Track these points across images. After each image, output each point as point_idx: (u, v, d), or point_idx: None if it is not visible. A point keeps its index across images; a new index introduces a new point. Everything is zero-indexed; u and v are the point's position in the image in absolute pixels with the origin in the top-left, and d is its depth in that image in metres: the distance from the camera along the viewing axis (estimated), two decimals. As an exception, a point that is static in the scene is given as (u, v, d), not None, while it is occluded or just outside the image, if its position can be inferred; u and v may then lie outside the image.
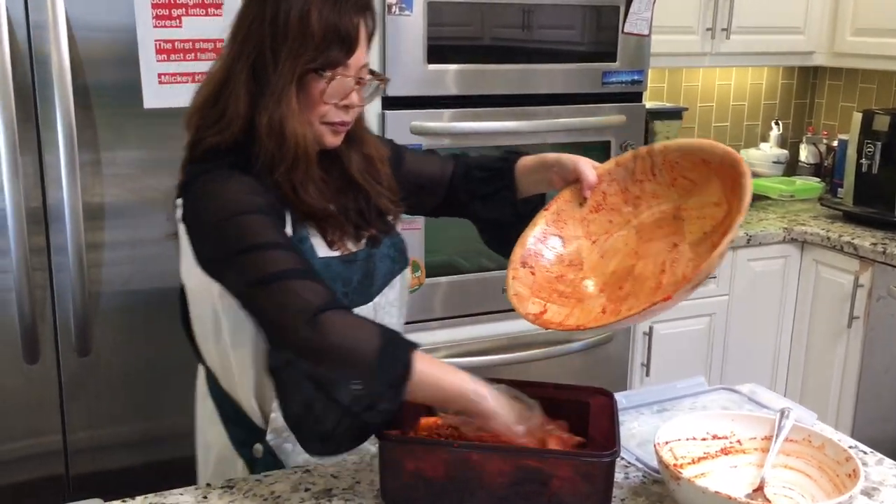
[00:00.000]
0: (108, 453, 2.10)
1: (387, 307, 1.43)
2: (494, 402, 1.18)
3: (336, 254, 1.32)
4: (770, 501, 1.18)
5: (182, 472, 2.09)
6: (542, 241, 1.35)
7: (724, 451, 1.27)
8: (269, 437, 1.32)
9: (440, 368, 1.19)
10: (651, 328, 2.65)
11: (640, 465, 1.32)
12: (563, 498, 1.15)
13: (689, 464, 1.24)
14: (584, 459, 1.16)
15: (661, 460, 1.14)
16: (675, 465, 1.23)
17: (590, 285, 1.32)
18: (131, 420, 2.11)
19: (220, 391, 1.36)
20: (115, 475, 2.11)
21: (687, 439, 1.26)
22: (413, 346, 1.18)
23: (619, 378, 2.67)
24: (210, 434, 1.40)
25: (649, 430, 1.44)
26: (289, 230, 1.26)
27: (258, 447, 1.34)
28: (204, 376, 1.40)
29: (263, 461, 1.35)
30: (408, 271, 1.50)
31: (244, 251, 1.17)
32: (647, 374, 2.69)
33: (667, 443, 1.23)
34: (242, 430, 1.35)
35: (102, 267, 2.02)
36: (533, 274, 1.32)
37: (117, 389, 2.08)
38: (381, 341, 1.15)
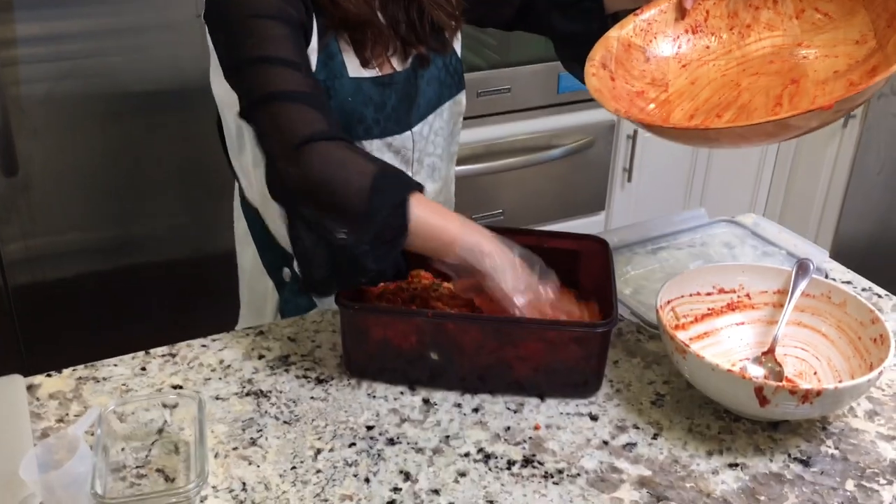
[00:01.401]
0: (48, 262, 1.95)
1: (431, 137, 1.26)
2: (499, 261, 1.02)
3: (370, 74, 1.15)
4: (781, 365, 1.05)
5: (125, 280, 1.99)
6: (626, 50, 1.13)
7: (731, 307, 1.13)
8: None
9: (441, 216, 1.02)
10: (635, 132, 2.46)
11: (634, 320, 1.19)
12: (553, 368, 1.02)
13: (691, 322, 1.11)
14: (575, 330, 1.02)
15: (664, 329, 1.00)
16: (677, 325, 1.09)
17: (676, 110, 1.11)
18: (68, 231, 1.94)
19: (250, 210, 1.27)
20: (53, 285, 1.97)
21: (690, 295, 1.11)
22: (412, 187, 1.00)
23: (599, 183, 2.52)
24: (244, 256, 1.33)
25: (644, 275, 1.29)
26: (314, 43, 1.09)
27: (286, 271, 1.25)
28: (238, 194, 1.30)
29: (291, 286, 1.26)
30: (462, 97, 1.31)
31: (252, 62, 1.03)
32: (629, 179, 2.54)
33: (668, 302, 1.08)
34: (271, 252, 1.27)
35: (19, 66, 1.76)
36: (613, 80, 1.10)
37: (52, 205, 1.89)
38: (373, 181, 0.97)
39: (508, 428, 0.99)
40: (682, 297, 1.10)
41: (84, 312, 2.00)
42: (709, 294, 1.12)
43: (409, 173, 1.24)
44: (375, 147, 1.19)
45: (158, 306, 2.06)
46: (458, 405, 1.03)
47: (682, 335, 1.08)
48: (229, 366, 1.09)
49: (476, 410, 1.02)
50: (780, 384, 0.91)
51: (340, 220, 0.97)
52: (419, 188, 1.01)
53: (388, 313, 1.03)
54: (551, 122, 2.35)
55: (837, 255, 2.78)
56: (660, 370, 1.10)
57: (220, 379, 1.06)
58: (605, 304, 1.07)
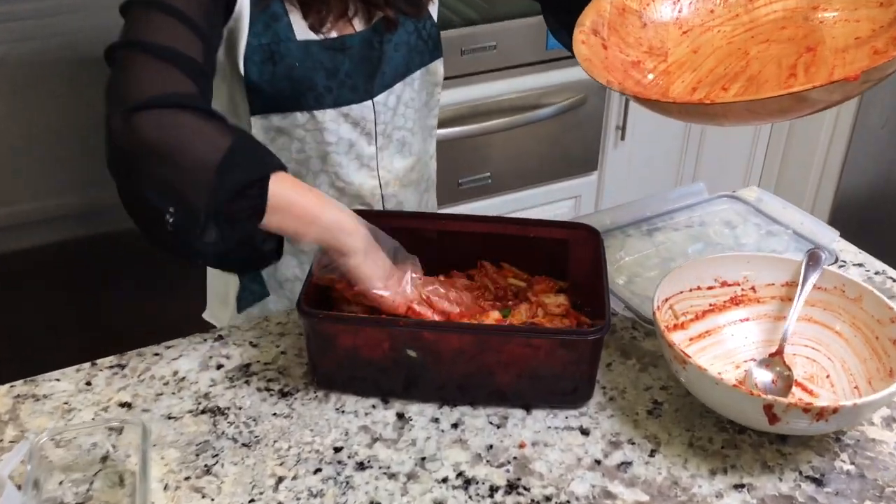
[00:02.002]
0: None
1: (400, 108, 1.14)
2: (360, 242, 0.92)
3: (321, 37, 1.04)
4: (790, 368, 0.95)
5: (85, 252, 1.87)
6: (620, 15, 1.01)
7: (735, 301, 1.03)
8: None
9: (301, 194, 0.90)
10: (629, 87, 2.33)
11: (628, 315, 1.09)
12: (539, 375, 0.92)
13: (691, 320, 1.01)
14: (565, 338, 0.91)
15: (662, 335, 0.90)
16: (676, 324, 0.99)
17: (676, 82, 0.99)
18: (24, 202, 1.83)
19: None
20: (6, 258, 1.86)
21: (690, 290, 1.01)
22: (271, 166, 0.88)
23: (591, 142, 2.40)
24: None
25: (638, 261, 1.18)
26: (246, 4, 0.98)
27: None
28: None
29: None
30: (439, 66, 1.19)
31: (142, 3, 0.91)
32: (622, 137, 2.41)
33: (666, 300, 0.98)
34: None
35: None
36: (605, 48, 0.98)
37: (5, 174, 1.77)
38: (224, 157, 0.83)
39: (491, 447, 0.90)
40: (682, 292, 1.00)
41: (45, 285, 1.88)
42: (710, 288, 1.02)
43: (374, 148, 1.13)
44: (329, 118, 1.07)
45: (126, 276, 1.95)
46: (436, 420, 0.93)
47: (681, 335, 0.98)
48: (184, 378, 0.99)
49: (455, 426, 0.93)
50: (792, 402, 0.82)
51: (170, 196, 0.83)
52: (280, 168, 0.89)
53: (356, 322, 0.93)
54: (540, 80, 2.22)
55: (838, 210, 2.69)
56: (657, 373, 1.00)
57: (173, 394, 0.96)
58: (597, 301, 0.97)
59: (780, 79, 0.94)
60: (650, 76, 0.99)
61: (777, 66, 0.96)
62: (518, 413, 0.94)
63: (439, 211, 1.35)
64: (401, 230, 1.03)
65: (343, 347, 0.94)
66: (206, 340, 1.05)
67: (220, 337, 1.05)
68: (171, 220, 0.83)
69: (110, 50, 0.89)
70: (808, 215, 1.27)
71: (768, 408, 0.82)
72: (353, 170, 1.13)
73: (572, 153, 2.37)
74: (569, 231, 1.08)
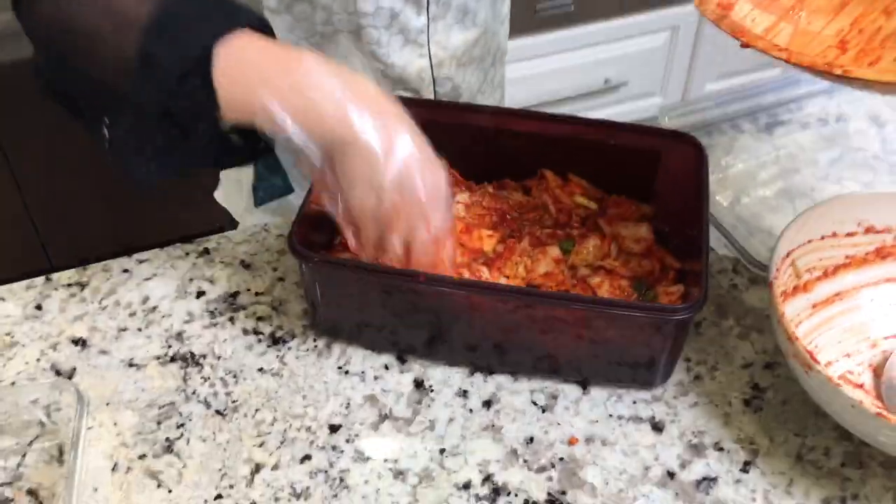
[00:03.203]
0: None
1: None
2: (365, 131, 0.62)
3: None
4: (948, 357, 0.70)
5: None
6: None
7: (881, 254, 0.76)
8: None
9: (271, 53, 0.62)
10: None
11: (730, 254, 0.83)
12: (604, 342, 0.70)
13: (818, 279, 0.75)
14: (642, 316, 0.67)
15: (778, 317, 0.65)
16: (797, 286, 0.73)
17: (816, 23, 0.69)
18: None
19: None
20: None
21: (822, 238, 0.75)
22: (234, 21, 0.61)
23: None
24: None
25: (749, 172, 0.91)
26: None
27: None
28: None
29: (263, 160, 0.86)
30: None
31: None
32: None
33: (787, 255, 0.72)
34: None
35: None
36: None
37: None
38: (152, 18, 0.59)
39: (531, 440, 0.69)
40: (810, 241, 0.74)
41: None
42: (850, 234, 0.75)
43: (425, 18, 0.84)
44: None
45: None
46: (464, 393, 0.72)
47: (801, 301, 0.73)
48: (155, 308, 0.79)
49: (488, 404, 0.71)
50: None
51: (92, 97, 0.60)
52: (243, 23, 0.61)
53: (363, 271, 0.70)
54: None
55: None
56: (761, 342, 0.76)
57: (139, 330, 0.77)
58: (691, 239, 0.72)
59: None
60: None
61: None
62: (571, 391, 0.72)
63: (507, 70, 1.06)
64: (441, 125, 0.77)
65: (348, 294, 0.72)
66: (187, 255, 0.84)
67: (207, 251, 0.84)
68: (107, 136, 0.60)
69: None
70: None
71: (924, 448, 0.58)
72: (396, 47, 0.85)
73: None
74: (662, 140, 0.80)
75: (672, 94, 2.12)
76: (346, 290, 0.72)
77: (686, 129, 0.93)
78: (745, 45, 0.63)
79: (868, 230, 0.75)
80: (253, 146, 0.67)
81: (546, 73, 1.94)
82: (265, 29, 0.64)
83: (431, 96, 0.90)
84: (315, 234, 0.74)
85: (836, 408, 0.62)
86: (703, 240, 0.69)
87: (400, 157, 0.62)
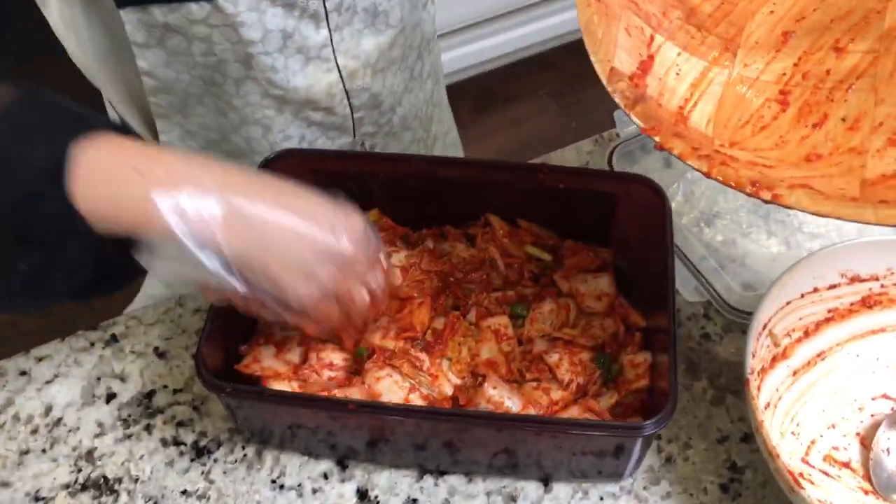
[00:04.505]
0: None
1: None
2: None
3: None
4: (941, 423, 0.64)
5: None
6: None
7: (867, 303, 0.68)
8: None
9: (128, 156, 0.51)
10: None
11: (697, 298, 0.74)
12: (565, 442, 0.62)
13: (798, 340, 0.67)
14: (607, 436, 0.59)
15: (757, 425, 0.57)
16: (776, 355, 0.65)
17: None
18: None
19: None
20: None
21: (802, 296, 0.66)
22: (81, 128, 0.51)
23: None
24: None
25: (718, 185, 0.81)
26: None
27: None
28: None
29: None
30: None
31: None
32: None
33: (764, 327, 0.63)
34: None
35: None
36: None
37: None
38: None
39: (490, 557, 0.62)
40: (789, 303, 0.66)
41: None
42: (832, 287, 0.67)
43: (326, 31, 0.72)
44: (245, 4, 0.66)
45: None
46: (413, 503, 0.65)
47: (781, 372, 0.66)
48: (60, 420, 0.70)
49: (441, 515, 0.64)
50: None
51: None
52: (101, 126, 0.51)
53: (280, 400, 0.61)
54: None
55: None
56: (737, 408, 0.69)
57: (43, 452, 0.68)
58: (656, 301, 0.63)
59: None
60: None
61: None
62: (532, 489, 0.65)
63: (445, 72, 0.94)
64: (372, 175, 0.68)
65: (272, 411, 0.63)
66: (93, 345, 0.74)
67: (115, 338, 0.74)
68: None
69: None
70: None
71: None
72: (296, 69, 0.73)
73: None
74: (618, 183, 0.70)
75: None
76: (269, 412, 0.63)
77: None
78: (658, 147, 0.53)
79: (853, 280, 0.67)
80: (131, 264, 0.56)
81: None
82: (126, 131, 0.53)
83: (347, 112, 0.79)
84: (228, 338, 0.65)
85: (824, 527, 0.56)
86: (670, 326, 0.60)
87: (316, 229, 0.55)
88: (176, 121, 0.75)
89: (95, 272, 0.55)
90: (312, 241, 0.55)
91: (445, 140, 0.99)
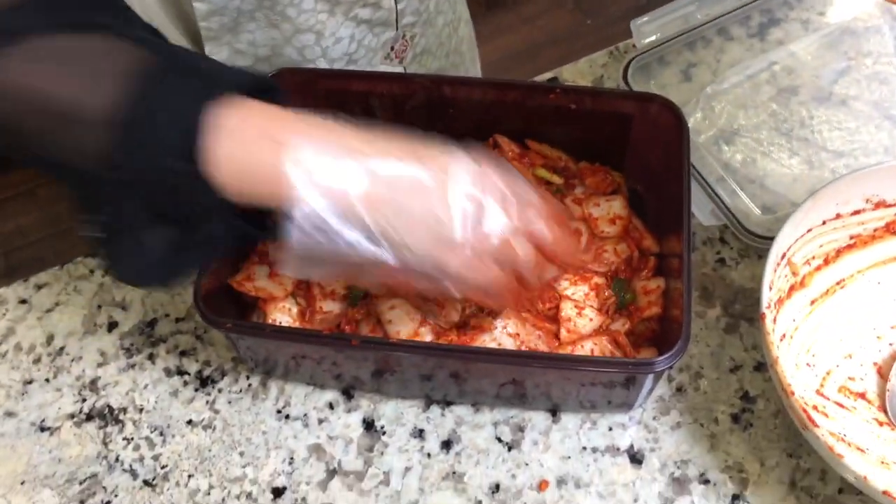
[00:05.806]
0: None
1: None
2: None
3: None
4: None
5: None
6: None
7: (891, 229, 0.65)
8: None
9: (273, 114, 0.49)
10: None
11: (714, 221, 0.71)
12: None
13: (818, 268, 0.65)
14: (617, 373, 0.58)
15: (772, 361, 0.55)
16: (793, 284, 0.63)
17: None
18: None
19: None
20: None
21: (824, 222, 0.64)
22: (216, 90, 0.47)
23: None
24: None
25: (738, 97, 0.77)
26: None
27: None
28: None
29: None
30: None
31: None
32: None
33: (783, 255, 0.61)
34: None
35: None
36: None
37: None
38: (137, 86, 0.46)
39: (497, 487, 0.62)
40: (810, 230, 0.63)
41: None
42: (856, 213, 0.64)
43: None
44: None
45: None
46: (420, 433, 0.64)
47: (799, 300, 0.63)
48: (62, 349, 0.69)
49: (447, 445, 0.64)
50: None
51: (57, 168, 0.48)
52: (235, 86, 0.48)
53: (282, 336, 0.59)
54: None
55: None
56: (751, 336, 0.67)
57: (47, 381, 0.68)
58: (671, 223, 0.61)
59: None
60: None
61: None
62: (540, 420, 0.65)
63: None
64: (378, 95, 0.65)
65: (276, 345, 0.62)
66: (92, 273, 0.72)
67: (114, 265, 0.73)
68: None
69: None
70: None
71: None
72: None
73: None
74: (635, 103, 0.67)
75: None
76: (272, 345, 0.62)
77: (666, 40, 0.79)
78: None
79: (878, 205, 0.64)
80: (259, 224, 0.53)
81: None
82: (264, 88, 0.50)
83: (392, 4, 0.74)
84: (228, 269, 0.63)
85: (838, 470, 0.55)
86: (685, 253, 0.58)
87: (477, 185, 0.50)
88: (225, 40, 0.70)
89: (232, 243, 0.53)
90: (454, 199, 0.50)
91: (465, 18, 0.93)
